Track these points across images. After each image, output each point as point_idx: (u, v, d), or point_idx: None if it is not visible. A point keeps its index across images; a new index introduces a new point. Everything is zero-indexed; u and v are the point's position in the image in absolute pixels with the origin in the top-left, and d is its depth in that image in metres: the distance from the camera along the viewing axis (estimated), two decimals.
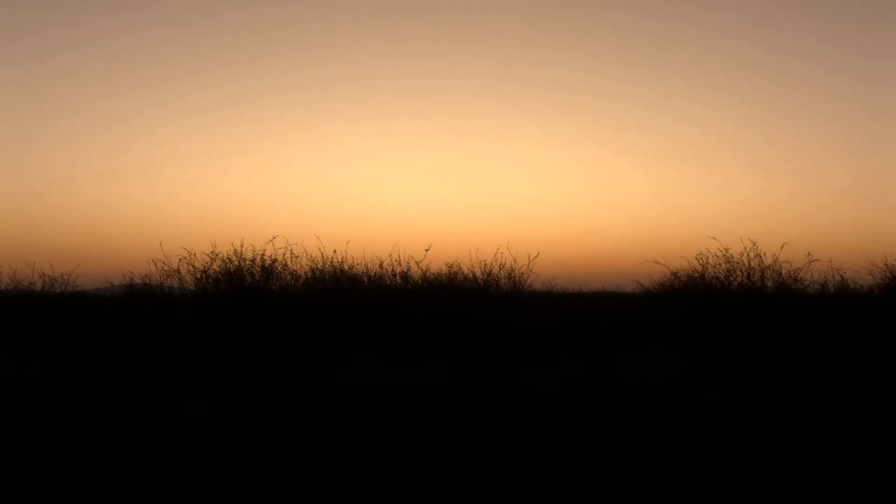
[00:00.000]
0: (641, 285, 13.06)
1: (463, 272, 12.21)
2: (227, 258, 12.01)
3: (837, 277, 12.32)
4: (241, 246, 12.01)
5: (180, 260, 11.96)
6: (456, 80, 33.74)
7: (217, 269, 12.00)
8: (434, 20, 33.09)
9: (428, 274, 12.19)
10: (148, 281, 12.23)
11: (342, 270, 12.20)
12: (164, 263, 11.96)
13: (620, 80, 33.93)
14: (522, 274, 12.09)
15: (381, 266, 12.21)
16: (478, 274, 12.16)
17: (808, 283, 12.20)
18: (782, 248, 12.12)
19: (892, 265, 12.01)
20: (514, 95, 33.78)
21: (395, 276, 12.20)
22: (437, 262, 13.32)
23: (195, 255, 11.98)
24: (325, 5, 32.94)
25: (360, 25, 33.22)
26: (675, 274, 12.59)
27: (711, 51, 33.73)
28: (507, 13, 32.77)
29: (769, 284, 12.19)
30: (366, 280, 12.20)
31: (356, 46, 33.55)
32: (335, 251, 12.17)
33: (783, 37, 33.55)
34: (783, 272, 12.14)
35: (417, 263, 12.14)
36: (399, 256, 12.20)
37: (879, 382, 8.43)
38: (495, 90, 34.11)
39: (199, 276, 11.98)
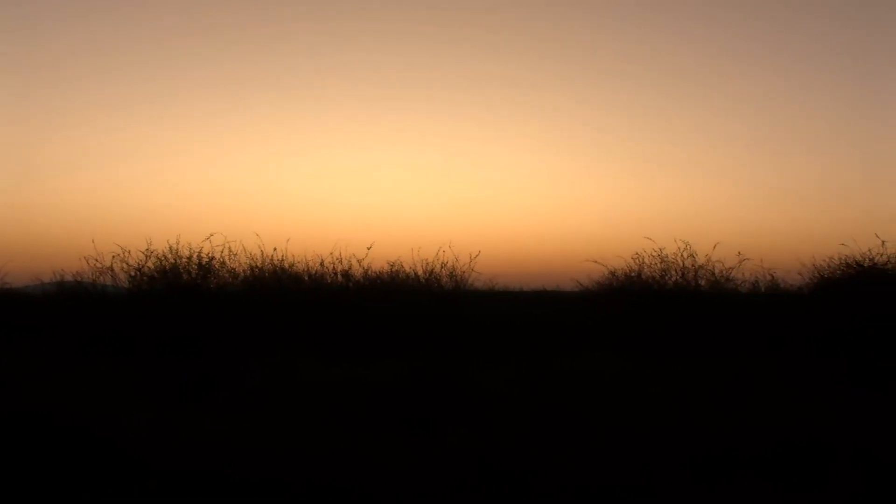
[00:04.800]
0: (581, 284, 13.27)
1: (405, 271, 12.22)
2: (163, 255, 11.81)
3: (768, 277, 12.72)
4: (178, 243, 11.84)
5: (113, 257, 11.74)
6: (400, 77, 33.71)
7: (152, 267, 11.79)
8: (381, 16, 32.98)
9: (370, 272, 12.16)
10: (80, 278, 11.95)
11: (282, 269, 12.09)
12: (96, 261, 11.73)
13: (558, 81, 34.36)
14: (464, 273, 12.17)
15: (321, 264, 12.15)
16: (420, 273, 12.18)
17: (739, 282, 12.57)
18: (714, 247, 12.48)
19: (820, 266, 12.43)
20: (458, 95, 33.93)
21: (336, 274, 12.13)
22: (379, 260, 13.28)
23: (129, 252, 11.76)
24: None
25: (301, 20, 32.90)
26: (613, 273, 12.83)
27: (649, 55, 34.45)
28: (458, 11, 32.87)
29: (703, 283, 12.50)
30: (306, 278, 12.10)
31: (298, 41, 33.23)
32: (275, 249, 12.09)
33: (721, 41, 34.46)
34: (716, 271, 12.49)
35: (359, 262, 12.13)
36: (340, 255, 12.18)
37: (811, 379, 8.72)
38: (439, 88, 34.20)
39: (133, 273, 11.76)
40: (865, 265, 11.82)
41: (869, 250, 11.78)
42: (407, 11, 33.02)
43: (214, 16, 32.44)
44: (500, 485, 5.25)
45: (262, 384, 8.11)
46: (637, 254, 12.68)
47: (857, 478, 5.35)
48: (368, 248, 12.07)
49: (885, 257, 11.72)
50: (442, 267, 12.12)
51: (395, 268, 12.21)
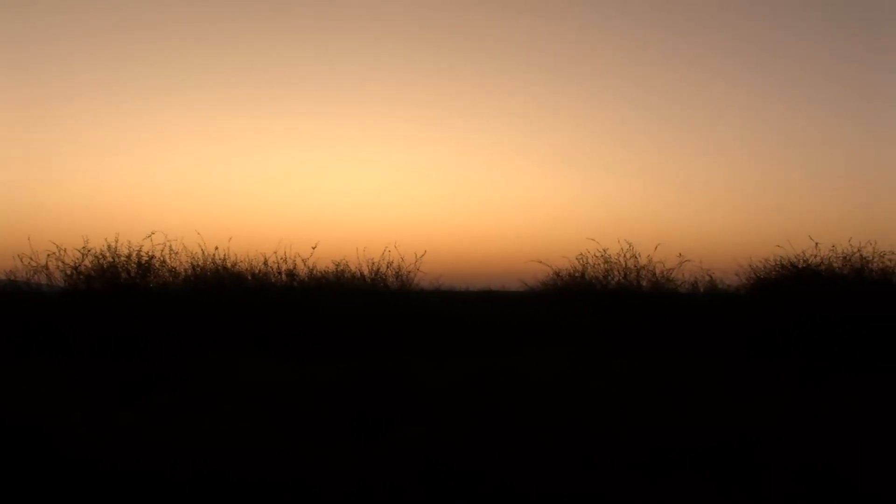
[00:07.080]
0: (526, 284, 13.41)
1: (351, 270, 12.18)
2: (101, 254, 11.62)
3: (707, 278, 13.05)
4: (116, 241, 11.68)
5: (49, 255, 11.48)
6: (341, 75, 33.46)
7: (89, 266, 11.61)
8: (325, 14, 32.68)
9: (315, 272, 12.09)
10: (13, 277, 11.63)
11: (225, 268, 11.93)
12: (31, 259, 11.51)
13: (503, 83, 34.56)
14: (410, 272, 12.18)
15: (265, 264, 12.03)
16: (365, 272, 12.16)
17: (679, 282, 12.87)
18: (656, 248, 12.76)
19: (757, 267, 12.77)
20: (401, 94, 33.80)
21: (280, 273, 12.02)
22: (324, 260, 13.20)
23: (65, 250, 11.57)
24: None
25: (242, 18, 32.46)
26: (557, 273, 13.01)
27: (592, 58, 34.90)
28: (393, 6, 32.79)
29: (644, 284, 12.76)
30: (250, 277, 11.97)
31: (242, 39, 32.75)
32: (217, 248, 11.94)
33: (662, 45, 35.07)
34: (657, 272, 12.76)
35: (304, 261, 12.04)
36: (285, 254, 12.07)
37: (747, 379, 8.92)
38: (382, 86, 34.04)
39: (69, 272, 11.53)
40: (800, 266, 12.19)
41: (803, 252, 12.19)
42: (350, 7, 32.86)
43: (156, 10, 31.79)
44: (446, 484, 5.25)
45: (204, 385, 7.98)
46: (581, 254, 12.92)
47: (793, 478, 5.49)
48: (313, 248, 12.04)
49: (818, 258, 12.13)
50: (388, 267, 12.14)
51: (341, 267, 12.20)
